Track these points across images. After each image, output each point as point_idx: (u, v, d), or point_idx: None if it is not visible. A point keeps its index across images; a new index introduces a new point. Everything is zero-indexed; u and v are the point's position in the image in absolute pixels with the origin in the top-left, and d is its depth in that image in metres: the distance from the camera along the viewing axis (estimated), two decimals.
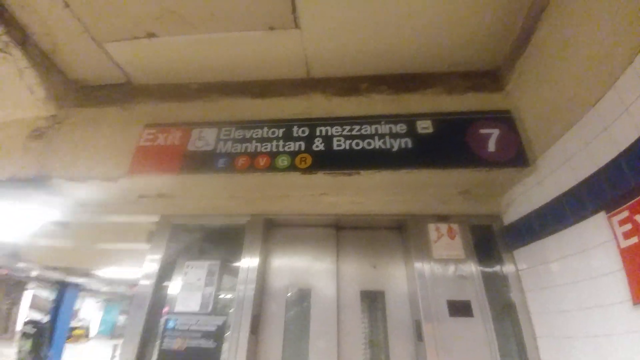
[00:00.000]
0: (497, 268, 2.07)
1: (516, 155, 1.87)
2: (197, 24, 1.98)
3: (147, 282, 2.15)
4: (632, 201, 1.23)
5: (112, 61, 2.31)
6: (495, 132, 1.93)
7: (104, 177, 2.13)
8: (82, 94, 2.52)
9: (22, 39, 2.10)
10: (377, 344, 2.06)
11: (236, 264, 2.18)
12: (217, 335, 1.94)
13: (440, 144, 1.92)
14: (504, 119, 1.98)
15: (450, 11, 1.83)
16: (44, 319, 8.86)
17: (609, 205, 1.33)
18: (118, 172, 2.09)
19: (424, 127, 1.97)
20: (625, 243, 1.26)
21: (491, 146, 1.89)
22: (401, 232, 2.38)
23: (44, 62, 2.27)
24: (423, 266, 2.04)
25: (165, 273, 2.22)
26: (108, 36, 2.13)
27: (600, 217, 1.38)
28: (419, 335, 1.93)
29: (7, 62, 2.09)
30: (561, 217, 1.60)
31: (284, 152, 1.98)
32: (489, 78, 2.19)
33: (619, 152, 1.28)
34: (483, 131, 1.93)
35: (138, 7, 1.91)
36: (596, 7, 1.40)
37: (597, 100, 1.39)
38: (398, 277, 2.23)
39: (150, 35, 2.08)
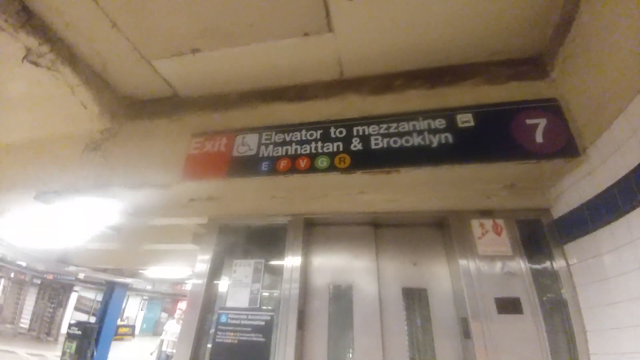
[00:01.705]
0: (546, 263, 1.98)
1: (566, 145, 1.78)
2: (237, 37, 2.10)
3: (200, 281, 2.30)
4: None
5: (159, 76, 2.50)
6: (542, 122, 1.85)
7: (157, 184, 2.31)
8: (133, 107, 2.75)
9: (70, 57, 2.23)
10: (422, 342, 2.05)
11: (279, 262, 2.28)
12: (266, 330, 2.05)
13: (483, 137, 1.87)
14: (551, 108, 1.89)
15: None
16: (90, 319, 9.32)
17: None
18: (170, 178, 2.26)
19: (465, 120, 1.94)
20: None
21: (539, 137, 1.82)
22: (442, 229, 2.35)
23: (95, 79, 2.44)
24: (468, 263, 2.00)
25: (215, 271, 2.37)
26: (155, 53, 2.31)
27: None
28: (466, 333, 1.90)
29: (56, 79, 2.25)
30: (613, 208, 1.53)
31: (323, 153, 2.04)
32: (532, 65, 2.08)
33: None
34: (529, 121, 1.86)
35: (183, 24, 2.06)
36: None
37: None
38: (440, 274, 2.21)
39: (195, 50, 2.23)
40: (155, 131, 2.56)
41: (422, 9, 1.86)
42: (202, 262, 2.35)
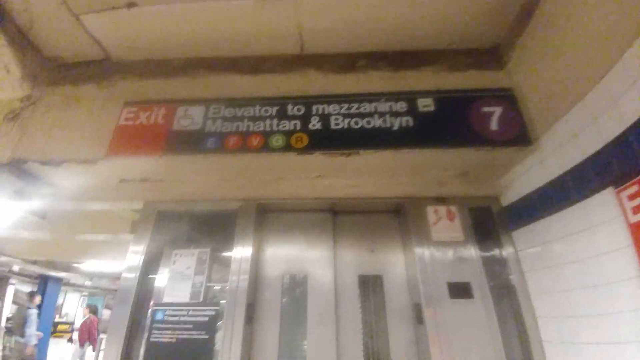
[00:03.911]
0: (495, 249, 2.04)
1: (518, 134, 1.82)
2: None
3: (132, 275, 2.02)
4: None
5: (89, 35, 2.11)
6: (497, 110, 1.86)
7: (81, 160, 1.95)
8: (58, 72, 2.31)
9: (0, 16, 1.92)
10: (376, 329, 2.01)
11: (228, 252, 2.07)
12: (210, 326, 1.85)
13: (442, 122, 1.84)
14: (506, 97, 1.92)
15: None
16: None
17: (617, 181, 1.30)
18: (96, 153, 1.92)
19: (425, 104, 1.89)
20: (635, 218, 1.23)
21: (493, 125, 1.83)
22: (399, 216, 2.32)
23: (20, 40, 2.10)
24: (423, 249, 1.99)
25: (151, 264, 2.09)
26: (85, 7, 1.94)
27: (608, 193, 1.35)
28: (419, 319, 1.89)
29: None
30: (565, 195, 1.56)
31: (279, 132, 1.86)
32: (491, 55, 2.12)
33: (628, 126, 1.25)
34: (485, 109, 1.86)
35: None
36: None
37: (604, 74, 1.35)
38: (396, 261, 2.18)
39: (130, 4, 1.89)
40: (81, 99, 2.16)
41: None
42: (135, 253, 2.06)
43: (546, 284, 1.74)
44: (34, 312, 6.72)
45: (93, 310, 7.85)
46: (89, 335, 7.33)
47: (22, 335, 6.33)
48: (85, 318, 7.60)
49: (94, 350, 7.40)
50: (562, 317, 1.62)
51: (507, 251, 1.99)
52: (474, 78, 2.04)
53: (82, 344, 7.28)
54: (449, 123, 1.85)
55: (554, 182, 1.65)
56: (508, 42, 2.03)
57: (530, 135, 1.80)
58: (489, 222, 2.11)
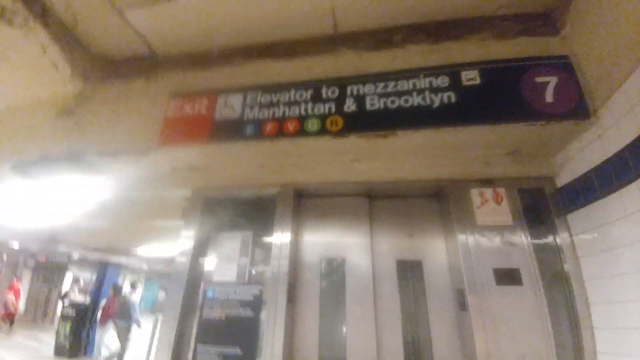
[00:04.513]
0: (548, 234, 1.88)
1: (576, 106, 1.64)
2: None
3: (184, 259, 2.16)
4: None
5: (133, 30, 2.24)
6: (553, 80, 1.69)
7: (135, 151, 2.13)
8: (107, 68, 2.50)
9: (42, 12, 2.03)
10: (416, 314, 1.98)
11: (269, 237, 2.14)
12: (255, 304, 1.95)
13: (489, 96, 1.71)
14: (562, 65, 1.73)
15: None
16: (86, 300, 9.20)
17: None
18: (148, 144, 2.07)
19: (470, 77, 1.76)
20: None
21: (549, 96, 1.66)
22: (439, 200, 2.22)
23: (66, 37, 2.21)
24: (466, 234, 1.89)
25: (200, 247, 2.23)
26: (128, 2, 2.05)
27: None
28: (462, 305, 1.83)
29: (28, 37, 2.03)
30: (625, 173, 1.41)
31: (314, 115, 1.86)
32: (543, 20, 1.90)
33: None
34: (539, 79, 1.69)
35: None
36: None
37: None
38: (437, 246, 2.11)
39: None
40: (131, 93, 2.34)
41: None
42: (186, 237, 2.20)
43: (600, 269, 1.60)
44: (136, 300, 7.53)
45: (117, 290, 7.78)
46: (107, 314, 7.33)
47: (128, 319, 7.09)
48: (108, 297, 7.62)
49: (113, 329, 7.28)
50: (614, 303, 1.50)
51: (561, 236, 1.82)
52: (525, 46, 1.86)
53: (102, 324, 7.35)
54: (497, 96, 1.71)
55: (613, 158, 1.49)
56: (562, 4, 1.82)
57: (589, 108, 1.62)
58: (542, 205, 1.94)
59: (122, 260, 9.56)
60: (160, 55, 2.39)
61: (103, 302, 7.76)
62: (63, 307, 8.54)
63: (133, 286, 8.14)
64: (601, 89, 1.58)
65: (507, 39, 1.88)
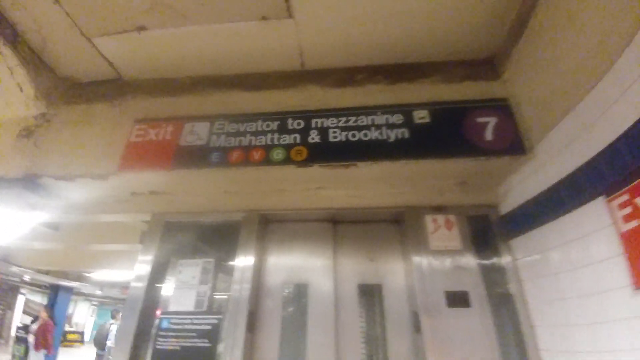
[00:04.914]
0: (494, 258, 2.06)
1: (513, 144, 1.85)
2: (188, 15, 1.93)
3: (140, 284, 2.09)
4: (632, 184, 1.21)
5: (101, 56, 2.25)
6: (492, 121, 1.91)
7: (94, 175, 2.07)
8: (71, 91, 2.46)
9: (12, 36, 2.07)
10: (375, 337, 2.03)
11: (231, 262, 2.14)
12: (213, 334, 1.90)
13: (437, 133, 1.89)
14: (501, 107, 1.97)
15: None
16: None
17: (608, 190, 1.31)
18: (109, 169, 2.03)
19: (421, 117, 1.95)
20: (626, 227, 1.24)
21: (488, 135, 1.87)
22: (399, 225, 2.36)
23: (34, 60, 2.24)
24: (420, 258, 2.02)
25: (158, 273, 2.17)
26: (97, 31, 2.09)
27: (600, 202, 1.36)
28: (416, 327, 1.91)
29: None
30: (559, 204, 1.58)
31: (279, 145, 1.94)
32: (487, 66, 2.16)
33: (618, 135, 1.26)
34: (480, 120, 1.91)
35: None
36: None
37: (596, 83, 1.36)
38: (396, 270, 2.21)
39: (140, 28, 2.03)
40: (94, 117, 2.29)
41: (383, 3, 1.84)
42: (144, 262, 2.14)
43: (543, 293, 1.74)
44: (114, 327, 7.01)
45: (49, 313, 7.38)
46: (44, 340, 6.88)
47: (102, 348, 6.58)
48: (40, 321, 7.11)
49: (49, 355, 6.97)
50: (559, 326, 1.62)
51: (505, 260, 2.00)
52: (469, 89, 2.09)
53: (37, 349, 6.84)
54: (444, 134, 1.90)
55: (549, 190, 1.67)
56: (503, 52, 2.06)
57: (525, 145, 1.83)
58: (487, 231, 2.12)
59: (75, 284, 8.86)
60: (126, 80, 2.40)
61: (35, 327, 7.08)
62: (17, 329, 8.10)
63: (116, 312, 7.66)
64: (537, 128, 1.77)
65: (454, 83, 2.11)
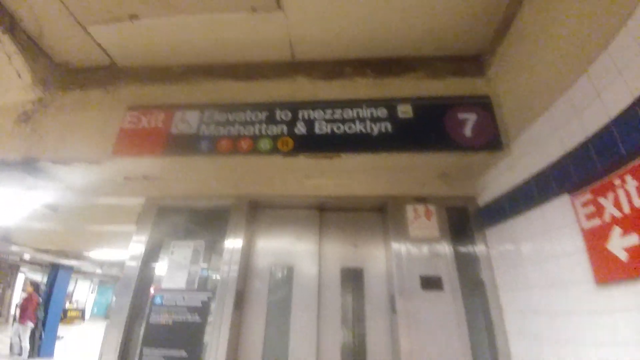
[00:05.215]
0: (469, 247, 2.18)
1: (491, 140, 1.93)
2: (179, 5, 1.96)
3: (134, 263, 2.22)
4: (595, 184, 1.26)
5: (95, 44, 2.29)
6: (472, 117, 1.98)
7: (89, 160, 2.15)
8: (67, 76, 2.50)
9: (11, 24, 2.12)
10: (356, 318, 2.18)
11: (221, 244, 2.25)
12: (203, 310, 2.04)
13: (419, 128, 1.97)
14: (482, 104, 2.03)
15: None
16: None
17: (573, 188, 1.38)
18: (103, 154, 2.11)
19: (404, 111, 2.01)
20: (588, 224, 1.30)
21: (467, 131, 1.95)
22: (382, 214, 2.47)
23: (31, 47, 2.30)
24: (400, 245, 2.14)
25: (151, 254, 2.29)
26: (91, 19, 2.12)
27: (564, 199, 1.43)
28: (393, 309, 2.05)
29: None
30: (529, 199, 1.67)
31: (266, 136, 2.02)
32: (473, 62, 2.20)
33: (587, 137, 1.30)
34: (461, 116, 1.98)
35: None
36: None
37: (571, 85, 1.40)
38: (377, 255, 2.34)
39: (133, 17, 2.06)
40: (88, 102, 2.35)
41: None
42: (138, 242, 2.26)
43: (512, 281, 1.86)
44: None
45: (35, 287, 7.90)
46: (28, 313, 7.40)
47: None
48: (26, 295, 7.63)
49: (36, 328, 7.45)
50: (526, 312, 1.72)
51: (479, 248, 2.12)
52: (453, 85, 2.14)
53: (23, 322, 7.35)
54: (425, 128, 1.97)
55: (520, 185, 1.76)
56: (489, 49, 2.11)
57: (502, 141, 1.91)
58: (465, 221, 2.24)
59: (74, 263, 9.06)
60: (120, 67, 2.44)
61: (20, 301, 7.61)
62: (16, 307, 8.44)
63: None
64: (514, 127, 1.85)
65: (439, 78, 2.16)
